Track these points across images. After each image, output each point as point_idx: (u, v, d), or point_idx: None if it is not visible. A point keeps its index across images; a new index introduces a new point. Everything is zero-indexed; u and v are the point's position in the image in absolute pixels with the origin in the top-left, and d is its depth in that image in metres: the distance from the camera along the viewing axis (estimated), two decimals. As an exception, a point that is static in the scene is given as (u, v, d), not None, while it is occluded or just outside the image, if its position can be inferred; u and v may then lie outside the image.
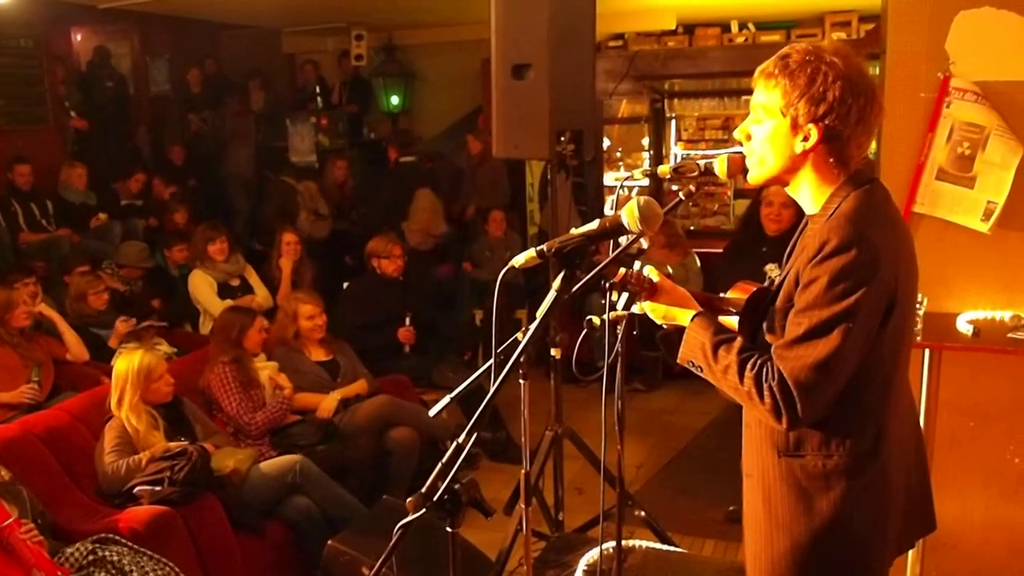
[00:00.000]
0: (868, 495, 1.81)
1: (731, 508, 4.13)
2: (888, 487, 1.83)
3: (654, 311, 1.96)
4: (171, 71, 8.94)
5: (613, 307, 1.98)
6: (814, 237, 1.71)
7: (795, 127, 1.73)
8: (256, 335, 4.28)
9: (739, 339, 1.79)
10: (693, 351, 1.84)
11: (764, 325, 1.82)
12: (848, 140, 1.72)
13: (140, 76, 8.93)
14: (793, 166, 1.79)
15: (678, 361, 1.90)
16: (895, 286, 1.71)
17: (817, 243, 1.68)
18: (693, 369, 1.87)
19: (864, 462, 1.79)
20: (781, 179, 1.83)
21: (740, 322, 1.91)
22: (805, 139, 1.74)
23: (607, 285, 1.93)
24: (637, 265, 1.95)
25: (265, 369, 4.29)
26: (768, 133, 1.78)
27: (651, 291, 1.94)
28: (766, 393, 1.69)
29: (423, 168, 7.76)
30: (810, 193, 1.81)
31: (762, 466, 1.88)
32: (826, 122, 1.70)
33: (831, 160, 1.75)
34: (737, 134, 1.86)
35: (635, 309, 1.99)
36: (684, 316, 1.91)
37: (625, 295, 1.94)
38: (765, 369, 1.71)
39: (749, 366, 1.73)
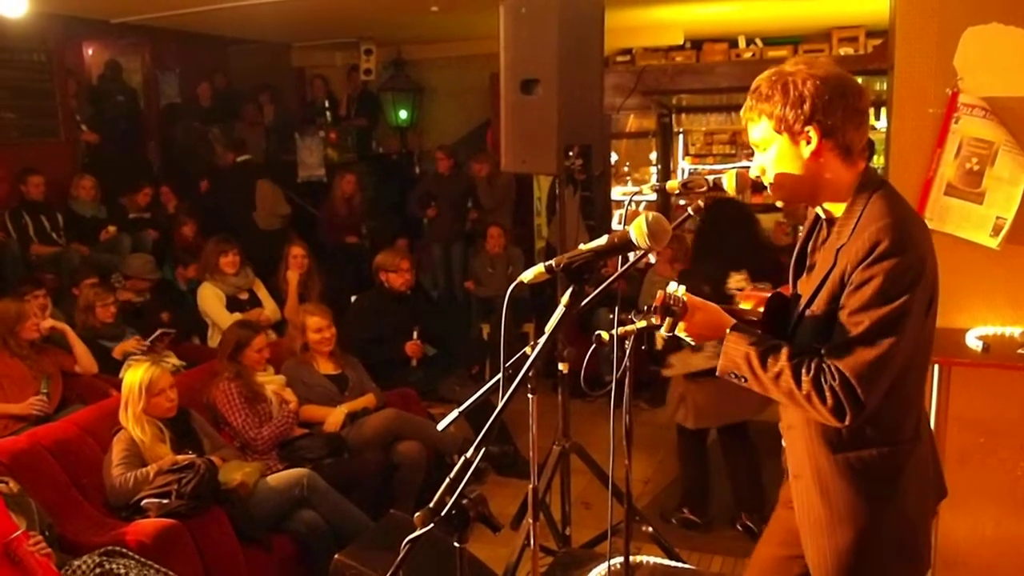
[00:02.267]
0: (916, 476, 1.90)
1: (740, 525, 4.12)
2: (927, 465, 1.94)
3: (690, 329, 1.94)
4: (181, 85, 9.00)
5: (630, 324, 1.98)
6: (861, 240, 1.76)
7: (794, 137, 1.81)
8: (254, 354, 4.26)
9: (785, 346, 1.83)
10: (735, 363, 1.87)
11: (804, 330, 1.88)
12: (845, 127, 1.80)
13: (151, 90, 8.98)
14: (811, 174, 1.85)
15: (717, 374, 1.92)
16: (934, 279, 1.81)
17: (867, 246, 1.74)
18: (735, 380, 1.89)
19: (911, 446, 1.89)
20: (807, 193, 1.89)
21: (764, 329, 1.92)
22: (808, 142, 1.81)
23: (651, 310, 1.91)
24: (672, 286, 1.93)
25: (271, 383, 4.29)
26: (775, 156, 1.86)
27: (683, 310, 1.92)
28: (828, 394, 1.75)
29: (259, 164, 8.33)
30: (830, 200, 1.88)
31: (815, 465, 1.93)
32: (817, 118, 1.78)
33: (840, 155, 1.82)
34: (754, 172, 1.93)
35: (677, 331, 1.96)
36: (720, 330, 1.92)
37: (668, 319, 1.90)
38: (823, 372, 1.76)
39: (804, 370, 1.78)
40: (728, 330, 1.90)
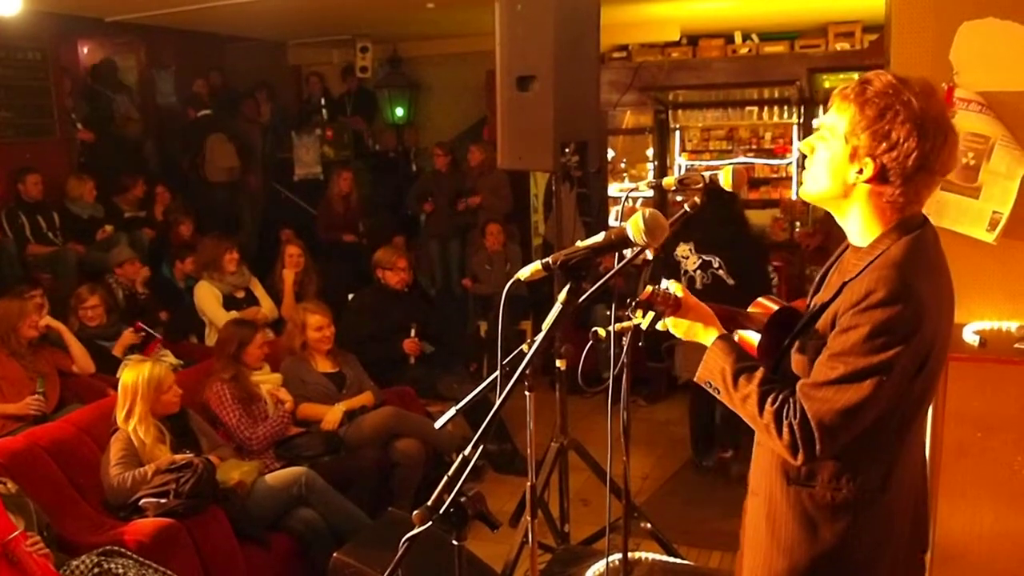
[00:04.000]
0: (872, 528, 1.81)
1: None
2: (893, 518, 1.83)
3: (677, 327, 1.94)
4: (177, 83, 8.98)
5: (629, 321, 1.97)
6: (860, 283, 1.67)
7: (853, 156, 1.70)
8: (256, 350, 4.27)
9: (760, 369, 1.78)
10: (712, 373, 1.83)
11: (793, 355, 1.81)
12: (905, 182, 1.67)
13: (146, 88, 8.96)
14: (843, 193, 1.75)
15: (695, 380, 1.89)
16: (933, 341, 1.70)
17: (863, 290, 1.65)
18: (710, 390, 1.86)
19: (872, 497, 1.79)
20: (831, 203, 1.81)
21: (761, 341, 1.90)
22: (860, 171, 1.70)
23: (633, 304, 1.91)
24: (664, 283, 1.92)
25: (267, 383, 4.29)
26: (829, 155, 1.75)
27: (675, 307, 1.91)
28: (785, 429, 1.69)
29: (217, 118, 8.42)
30: (859, 225, 1.77)
31: (769, 488, 1.88)
32: (883, 160, 1.66)
33: (885, 199, 1.71)
34: (802, 147, 1.84)
35: (658, 326, 1.97)
36: (706, 336, 1.89)
37: (651, 314, 1.90)
38: (787, 406, 1.70)
39: (770, 400, 1.72)
40: (713, 340, 1.87)
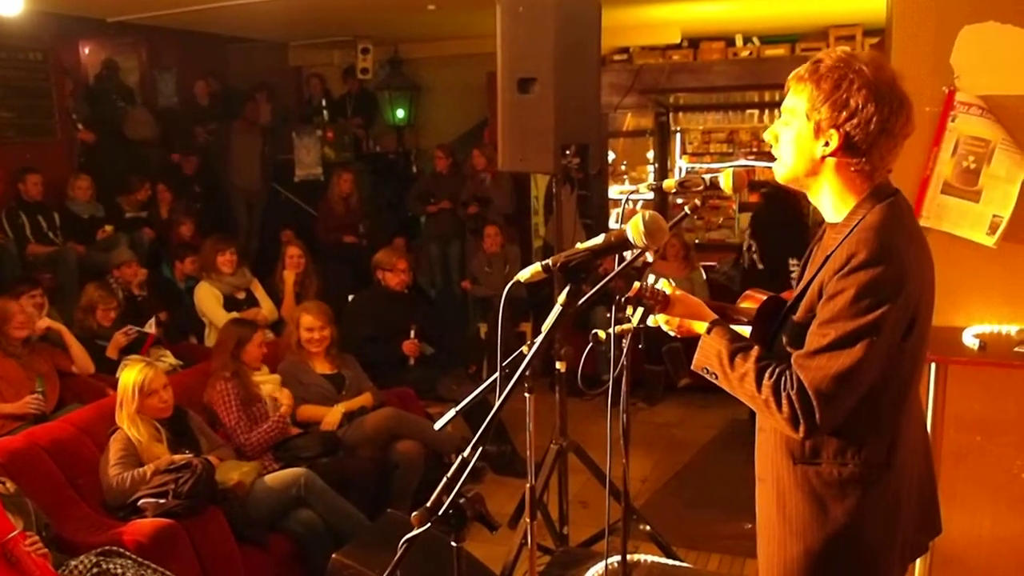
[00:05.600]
0: (881, 504, 1.82)
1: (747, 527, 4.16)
2: (900, 496, 1.85)
3: (668, 323, 1.97)
4: (178, 84, 8.98)
5: (627, 321, 1.98)
6: (841, 249, 1.71)
7: (817, 131, 1.75)
8: (255, 349, 4.27)
9: (756, 347, 1.80)
10: (708, 358, 1.85)
11: (784, 336, 1.83)
12: (869, 149, 1.73)
13: (148, 89, 8.96)
14: (814, 170, 1.80)
15: (692, 367, 1.91)
16: (918, 303, 1.73)
17: (844, 255, 1.69)
18: (707, 376, 1.88)
19: (878, 471, 1.81)
20: (803, 182, 1.85)
21: (752, 332, 1.91)
22: (826, 144, 1.75)
23: (622, 300, 1.93)
24: (652, 279, 1.95)
25: (267, 384, 4.29)
26: (793, 136, 1.80)
27: (664, 303, 1.94)
28: (784, 402, 1.71)
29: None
30: (831, 201, 1.82)
31: (776, 472, 1.90)
32: (846, 128, 1.71)
33: (852, 169, 1.76)
34: (767, 136, 1.88)
35: (649, 322, 1.99)
36: (700, 325, 1.92)
37: (640, 309, 1.93)
38: (784, 378, 1.72)
39: (767, 375, 1.74)
40: (707, 326, 1.89)
